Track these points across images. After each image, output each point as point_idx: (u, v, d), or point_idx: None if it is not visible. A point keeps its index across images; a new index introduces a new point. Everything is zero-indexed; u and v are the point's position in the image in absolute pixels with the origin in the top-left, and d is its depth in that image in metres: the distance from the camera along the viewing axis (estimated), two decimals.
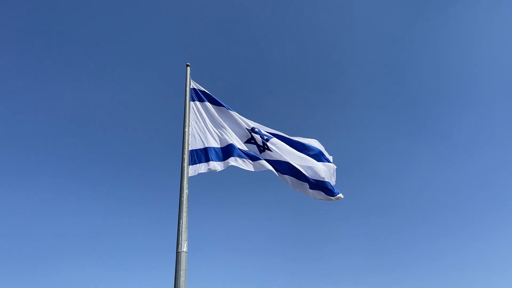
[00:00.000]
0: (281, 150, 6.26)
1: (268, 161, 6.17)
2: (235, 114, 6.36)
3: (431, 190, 26.95)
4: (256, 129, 6.30)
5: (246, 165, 6.04)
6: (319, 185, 6.14)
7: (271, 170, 6.13)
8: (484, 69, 28.09)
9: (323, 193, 6.16)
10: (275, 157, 6.22)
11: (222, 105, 6.35)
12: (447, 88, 29.09)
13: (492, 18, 26.74)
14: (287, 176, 6.23)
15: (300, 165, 6.21)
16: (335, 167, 6.35)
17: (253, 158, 6.12)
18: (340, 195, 6.14)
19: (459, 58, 28.64)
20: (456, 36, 28.25)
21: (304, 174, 6.15)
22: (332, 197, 6.11)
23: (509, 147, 26.11)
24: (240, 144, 6.21)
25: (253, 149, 6.26)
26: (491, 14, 26.67)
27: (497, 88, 27.27)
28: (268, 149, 6.23)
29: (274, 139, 6.36)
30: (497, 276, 20.55)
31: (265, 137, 6.28)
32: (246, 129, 6.31)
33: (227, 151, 6.03)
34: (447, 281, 20.94)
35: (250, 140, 6.28)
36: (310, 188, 6.17)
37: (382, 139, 29.57)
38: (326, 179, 6.16)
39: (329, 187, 6.16)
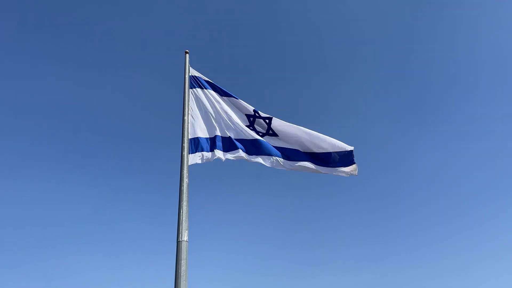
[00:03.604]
0: (285, 131, 6.11)
1: (271, 146, 6.04)
2: (235, 100, 6.24)
3: (434, 177, 26.98)
4: (258, 113, 6.16)
5: (245, 156, 5.97)
6: (333, 160, 5.88)
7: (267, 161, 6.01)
8: (486, 54, 27.90)
9: (342, 167, 5.85)
10: (280, 143, 6.11)
11: (222, 92, 6.26)
12: (450, 73, 28.93)
13: (495, 4, 26.44)
14: (293, 162, 6.00)
15: (308, 145, 5.99)
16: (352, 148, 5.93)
17: (249, 152, 6.02)
18: (354, 167, 5.75)
19: (460, 42, 28.41)
20: (459, 20, 27.98)
21: (314, 154, 5.96)
22: (347, 169, 5.78)
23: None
24: (239, 133, 6.11)
25: (253, 134, 6.12)
26: (494, 1, 26.37)
27: (500, 74, 27.11)
28: (274, 133, 6.14)
29: (276, 120, 6.18)
30: (500, 263, 20.67)
31: (267, 121, 6.12)
32: (246, 114, 6.19)
33: (225, 142, 5.96)
34: (450, 269, 21.07)
35: (249, 126, 6.17)
36: (324, 166, 5.93)
37: (385, 125, 29.50)
38: (338, 150, 5.85)
39: (343, 158, 5.85)
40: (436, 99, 29.05)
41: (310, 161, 5.96)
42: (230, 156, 5.86)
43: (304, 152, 6.02)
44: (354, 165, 5.82)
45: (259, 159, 5.94)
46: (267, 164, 5.94)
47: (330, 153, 5.91)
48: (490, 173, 26.03)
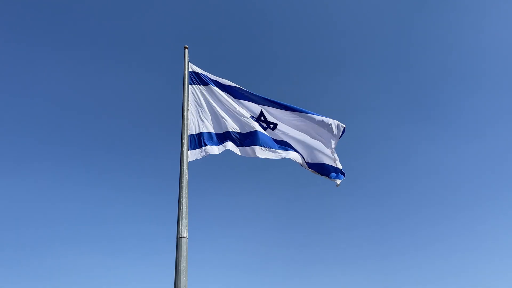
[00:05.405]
0: (288, 131, 6.22)
1: (272, 139, 6.13)
2: (236, 99, 6.21)
3: (436, 175, 26.93)
4: (262, 117, 6.20)
5: (244, 151, 5.97)
6: (320, 168, 6.13)
7: (267, 155, 6.09)
8: (490, 53, 27.78)
9: (319, 173, 6.18)
10: (280, 137, 6.19)
11: (222, 87, 6.21)
12: (455, 71, 28.83)
13: (501, 2, 26.30)
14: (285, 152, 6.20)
15: (305, 146, 6.21)
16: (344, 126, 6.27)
17: (249, 144, 6.01)
18: (338, 181, 6.07)
19: (465, 41, 28.30)
20: (463, 18, 27.85)
21: (307, 154, 6.17)
22: (329, 178, 6.10)
23: None
24: (238, 129, 6.09)
25: (255, 128, 6.13)
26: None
27: (505, 72, 27.00)
28: (275, 127, 6.21)
29: (280, 124, 6.25)
30: (504, 263, 20.64)
31: (271, 125, 6.19)
32: (249, 113, 6.18)
33: (224, 136, 5.92)
34: (452, 268, 21.06)
35: (257, 119, 6.20)
36: (309, 167, 6.21)
37: (388, 123, 29.43)
38: (327, 163, 6.12)
39: (329, 171, 6.15)
40: (439, 98, 28.98)
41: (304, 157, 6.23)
42: (222, 149, 5.86)
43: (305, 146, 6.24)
44: (338, 181, 6.13)
45: (266, 153, 6.02)
46: (270, 157, 6.04)
47: (323, 164, 6.19)
48: (495, 172, 25.99)
